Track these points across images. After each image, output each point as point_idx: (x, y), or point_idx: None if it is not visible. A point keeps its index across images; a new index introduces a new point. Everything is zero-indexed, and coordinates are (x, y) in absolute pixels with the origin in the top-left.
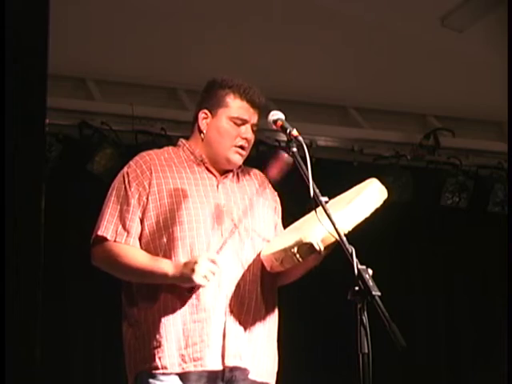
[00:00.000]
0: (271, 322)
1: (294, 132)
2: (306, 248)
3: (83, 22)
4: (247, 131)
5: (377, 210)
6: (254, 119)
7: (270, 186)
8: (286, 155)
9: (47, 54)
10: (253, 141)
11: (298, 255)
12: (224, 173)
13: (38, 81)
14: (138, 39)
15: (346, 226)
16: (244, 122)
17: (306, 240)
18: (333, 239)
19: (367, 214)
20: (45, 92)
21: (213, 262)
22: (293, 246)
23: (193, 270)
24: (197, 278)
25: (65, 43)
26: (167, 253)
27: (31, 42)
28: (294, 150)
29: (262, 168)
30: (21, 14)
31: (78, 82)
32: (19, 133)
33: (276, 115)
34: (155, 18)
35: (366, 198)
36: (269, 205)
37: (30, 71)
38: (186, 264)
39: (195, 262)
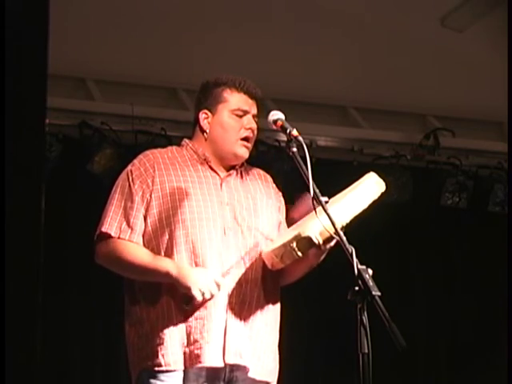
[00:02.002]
0: (273, 321)
1: (294, 132)
2: (305, 242)
3: (83, 21)
4: (250, 121)
5: (377, 210)
6: (254, 110)
7: (274, 185)
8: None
9: (47, 53)
10: (256, 131)
11: (296, 249)
12: (228, 170)
13: (37, 81)
14: (138, 39)
15: (343, 219)
16: (245, 112)
17: (305, 234)
18: (331, 232)
19: (365, 206)
20: (45, 92)
21: (217, 285)
22: (292, 241)
23: (195, 281)
24: (195, 290)
25: (65, 43)
26: (169, 250)
27: (31, 42)
28: (294, 150)
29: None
30: (21, 13)
31: (78, 82)
32: (19, 133)
33: (276, 115)
34: (155, 18)
35: (363, 190)
36: (272, 204)
37: (30, 71)
38: (190, 271)
39: (200, 274)
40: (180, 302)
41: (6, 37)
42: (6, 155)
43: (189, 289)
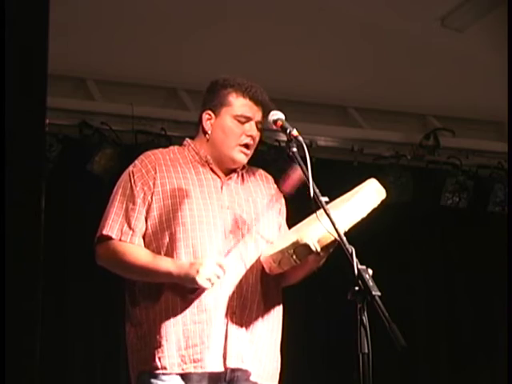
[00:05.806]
0: (274, 324)
1: (294, 132)
2: (303, 249)
3: (83, 22)
4: (252, 128)
5: (377, 210)
6: (258, 116)
7: (276, 186)
8: (299, 170)
9: (47, 53)
10: (258, 138)
11: (294, 256)
12: (229, 173)
13: (37, 81)
14: (138, 39)
15: (342, 226)
16: (248, 119)
17: (303, 241)
18: (330, 239)
19: (364, 215)
20: (45, 92)
21: (220, 265)
22: (290, 248)
23: (197, 272)
24: (200, 279)
25: (65, 43)
26: (169, 253)
27: (31, 42)
28: (294, 150)
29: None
30: (21, 13)
31: (78, 82)
32: (19, 133)
33: (276, 115)
34: (155, 18)
35: (362, 198)
36: (273, 206)
37: (30, 71)
38: (191, 264)
39: (201, 264)
40: (181, 299)
41: (6, 37)
42: (6, 155)
43: (195, 281)
